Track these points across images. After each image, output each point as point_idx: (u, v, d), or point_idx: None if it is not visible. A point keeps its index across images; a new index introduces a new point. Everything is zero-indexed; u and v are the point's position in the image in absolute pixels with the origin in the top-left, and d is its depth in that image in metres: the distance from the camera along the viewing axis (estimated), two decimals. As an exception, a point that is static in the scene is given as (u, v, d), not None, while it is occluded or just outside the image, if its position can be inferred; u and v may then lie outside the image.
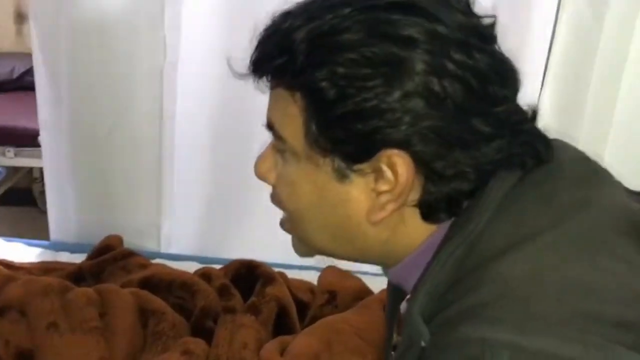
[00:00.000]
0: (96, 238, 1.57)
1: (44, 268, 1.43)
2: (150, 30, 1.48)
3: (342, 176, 0.53)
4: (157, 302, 1.20)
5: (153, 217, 1.73)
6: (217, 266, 1.46)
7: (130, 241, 1.69)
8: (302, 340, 1.08)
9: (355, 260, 0.62)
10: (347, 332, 1.09)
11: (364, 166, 0.52)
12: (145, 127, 1.60)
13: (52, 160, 1.68)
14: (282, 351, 1.07)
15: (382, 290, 1.22)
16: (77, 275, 1.38)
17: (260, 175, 0.60)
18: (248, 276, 1.33)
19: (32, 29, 1.55)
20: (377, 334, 1.06)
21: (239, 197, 1.74)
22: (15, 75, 2.60)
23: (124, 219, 1.72)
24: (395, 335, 0.66)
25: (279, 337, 1.14)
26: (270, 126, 0.57)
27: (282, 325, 1.20)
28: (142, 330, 1.14)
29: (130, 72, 1.54)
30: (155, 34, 1.48)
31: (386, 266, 0.60)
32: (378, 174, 0.52)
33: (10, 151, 2.50)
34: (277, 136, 0.57)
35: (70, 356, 1.01)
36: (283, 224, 0.62)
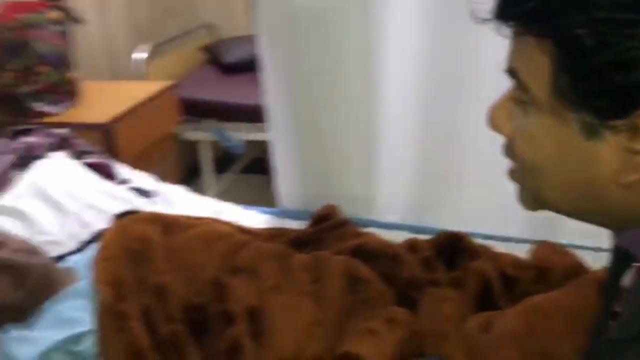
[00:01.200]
0: (318, 206, 1.71)
1: (272, 234, 1.60)
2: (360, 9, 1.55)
3: (591, 132, 0.50)
4: (365, 270, 1.28)
5: (366, 187, 1.82)
6: (426, 236, 1.50)
7: (348, 210, 1.81)
8: (507, 321, 1.06)
9: (585, 220, 0.58)
10: (556, 316, 1.04)
11: (618, 122, 0.49)
12: (356, 101, 1.68)
13: (278, 135, 1.87)
14: (486, 328, 1.07)
15: (599, 270, 1.13)
16: (298, 241, 1.53)
17: (495, 125, 0.58)
18: (453, 248, 1.34)
19: (257, 14, 1.72)
20: (589, 318, 1.00)
21: (452, 165, 1.74)
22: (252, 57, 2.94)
23: (342, 189, 1.84)
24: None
25: (483, 313, 1.14)
26: (512, 74, 0.55)
27: (485, 301, 1.19)
28: (352, 296, 1.23)
29: (341, 53, 1.63)
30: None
31: (620, 230, 0.56)
32: (634, 132, 0.48)
33: (249, 126, 2.84)
34: (520, 85, 0.54)
35: (288, 315, 1.13)
36: (513, 174, 0.60)
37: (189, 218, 1.49)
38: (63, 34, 2.21)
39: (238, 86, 2.89)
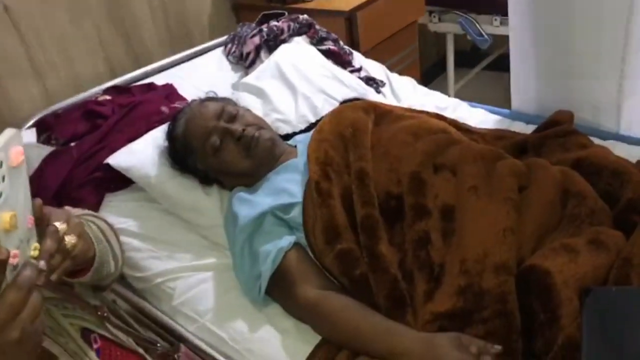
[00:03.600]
0: (554, 111, 1.59)
1: (496, 135, 1.55)
2: None
3: None
4: (582, 184, 1.17)
5: (614, 96, 1.61)
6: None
7: (586, 118, 1.65)
8: None
9: None
10: None
11: None
12: (611, 4, 1.46)
13: (518, 30, 1.73)
14: None
15: None
16: (521, 145, 1.45)
17: None
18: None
19: None
20: None
21: None
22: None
23: (583, 95, 1.66)
24: None
25: None
26: None
27: None
28: (560, 210, 1.15)
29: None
30: None
31: None
32: None
33: (497, 19, 2.67)
34: None
35: (482, 219, 1.10)
36: None
37: (404, 110, 1.52)
38: None
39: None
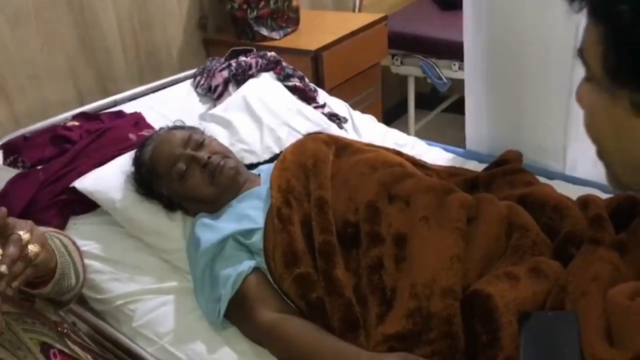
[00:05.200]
0: (503, 152, 1.68)
1: (450, 172, 1.63)
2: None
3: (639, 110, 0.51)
4: (525, 217, 1.25)
5: (560, 139, 1.72)
6: (608, 195, 1.40)
7: (534, 158, 1.75)
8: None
9: None
10: None
11: None
12: (556, 53, 1.58)
13: (472, 76, 1.84)
14: (634, 296, 1.00)
15: None
16: (472, 182, 1.54)
17: (578, 99, 0.61)
18: (629, 212, 1.23)
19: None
20: None
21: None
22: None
23: (532, 137, 1.77)
24: None
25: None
26: (580, 53, 0.58)
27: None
28: (505, 241, 1.22)
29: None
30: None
31: None
32: None
33: (455, 64, 2.81)
34: (583, 62, 0.57)
35: (432, 246, 1.17)
36: (597, 154, 0.62)
37: (364, 144, 1.59)
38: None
39: (453, 23, 2.84)
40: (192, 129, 1.55)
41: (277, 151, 1.68)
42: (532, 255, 1.17)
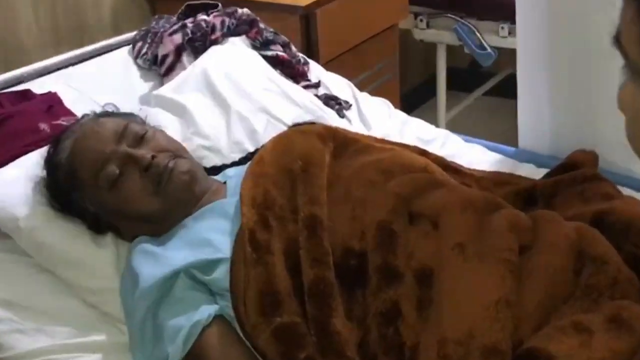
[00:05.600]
0: (568, 152, 1.68)
1: (495, 179, 1.63)
2: None
3: None
4: (602, 246, 1.25)
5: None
6: None
7: (614, 161, 1.74)
8: None
9: None
10: None
11: None
12: None
13: (528, 46, 1.84)
14: None
15: None
16: (528, 194, 1.54)
17: (619, 102, 0.68)
18: None
19: None
20: None
21: None
22: None
23: (612, 130, 1.76)
24: None
25: None
26: (616, 40, 0.64)
27: None
28: (573, 278, 1.22)
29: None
30: None
31: None
32: None
33: (505, 28, 2.82)
34: (621, 52, 0.64)
35: (469, 286, 1.16)
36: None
37: (375, 140, 1.59)
38: None
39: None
40: (130, 116, 1.55)
41: (252, 149, 1.68)
42: (611, 299, 1.17)
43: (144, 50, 2.01)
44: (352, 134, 1.59)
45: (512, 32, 2.74)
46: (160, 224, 1.42)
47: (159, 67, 1.97)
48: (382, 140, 1.63)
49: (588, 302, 1.17)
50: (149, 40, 2.03)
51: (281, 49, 2.03)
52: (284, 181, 1.38)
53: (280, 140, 1.49)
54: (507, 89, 2.88)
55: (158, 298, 1.28)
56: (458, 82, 3.29)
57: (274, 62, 1.99)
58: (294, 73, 2.00)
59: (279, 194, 1.35)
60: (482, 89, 3.34)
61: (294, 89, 1.92)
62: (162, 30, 2.03)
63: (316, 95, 1.96)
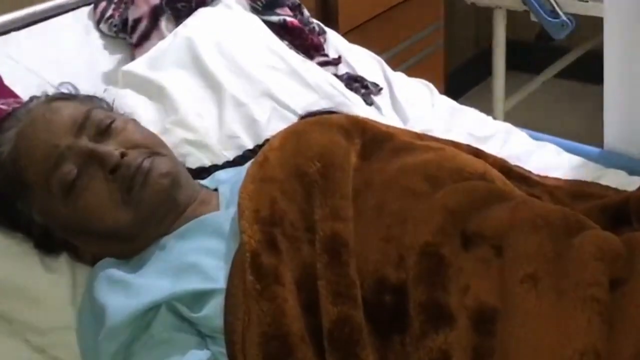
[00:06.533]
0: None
1: (575, 191, 1.63)
2: None
3: None
4: None
5: None
6: None
7: None
8: None
9: None
10: None
11: None
12: None
13: (618, 12, 1.84)
14: None
15: None
16: (618, 210, 1.53)
17: None
18: None
19: None
20: None
21: None
22: None
23: None
24: None
25: None
26: None
27: None
28: (680, 324, 1.22)
29: None
30: None
31: None
32: None
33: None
34: None
35: (542, 332, 1.15)
36: None
37: (414, 136, 1.59)
38: None
39: None
40: (92, 100, 1.55)
41: (251, 145, 1.69)
42: None
43: (110, 12, 2.01)
44: (386, 127, 1.59)
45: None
46: (130, 243, 1.42)
47: (130, 35, 1.97)
48: (425, 137, 1.63)
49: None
50: (115, 0, 2.03)
51: (290, 13, 2.03)
52: (296, 189, 1.38)
53: (291, 135, 1.49)
54: (588, 71, 2.88)
55: (130, 340, 1.28)
56: (521, 60, 3.28)
57: (281, 30, 1.99)
58: (307, 45, 2.00)
59: (289, 206, 1.35)
60: (554, 69, 3.33)
61: (307, 67, 1.92)
62: (133, -14, 2.03)
63: (336, 75, 1.96)
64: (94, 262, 1.44)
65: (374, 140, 1.50)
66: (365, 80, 1.99)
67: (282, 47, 1.94)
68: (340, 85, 1.91)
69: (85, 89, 1.64)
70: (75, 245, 1.47)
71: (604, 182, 1.74)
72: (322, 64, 1.98)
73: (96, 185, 1.39)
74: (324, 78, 1.91)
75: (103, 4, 2.04)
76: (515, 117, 2.38)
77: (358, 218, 1.34)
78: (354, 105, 1.84)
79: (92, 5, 2.08)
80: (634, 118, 1.90)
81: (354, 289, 1.25)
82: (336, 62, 2.02)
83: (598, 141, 1.98)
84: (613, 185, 1.70)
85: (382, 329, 1.24)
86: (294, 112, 1.74)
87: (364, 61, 2.07)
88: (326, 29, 2.09)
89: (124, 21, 1.99)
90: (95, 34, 2.02)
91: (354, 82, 1.97)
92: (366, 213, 1.35)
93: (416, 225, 1.31)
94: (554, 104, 3.30)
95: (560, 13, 2.82)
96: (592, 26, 2.58)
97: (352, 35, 2.19)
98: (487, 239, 1.30)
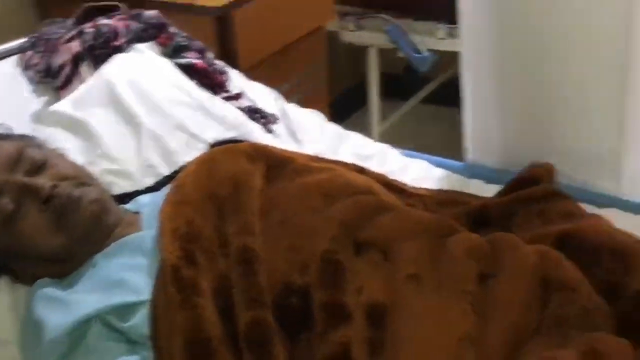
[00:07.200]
0: (523, 166, 1.68)
1: (442, 199, 1.63)
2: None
3: None
4: (569, 271, 1.26)
5: (613, 143, 1.76)
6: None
7: (574, 175, 1.77)
8: None
9: None
10: None
11: None
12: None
13: (474, 47, 1.86)
14: None
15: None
16: (481, 214, 1.55)
17: None
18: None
19: None
20: None
21: None
22: None
23: (569, 141, 1.80)
24: None
25: None
26: None
27: None
28: (539, 309, 1.22)
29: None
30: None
31: None
32: None
33: (441, 28, 2.85)
34: None
35: (427, 323, 1.15)
36: None
37: (310, 159, 1.58)
38: None
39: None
40: (25, 139, 1.51)
41: (168, 172, 1.66)
42: (582, 331, 1.18)
43: (35, 60, 1.96)
44: (285, 151, 1.58)
45: (452, 34, 2.78)
46: (65, 264, 1.38)
47: (54, 79, 1.92)
48: (318, 159, 1.62)
49: (558, 336, 1.18)
50: (41, 49, 1.98)
51: (196, 55, 2.01)
52: (210, 208, 1.36)
53: (203, 162, 1.47)
54: (447, 96, 2.93)
55: (67, 351, 1.25)
56: (392, 89, 3.31)
57: (189, 71, 1.97)
58: (213, 83, 1.99)
59: (205, 224, 1.33)
60: (418, 96, 3.38)
61: (213, 102, 1.91)
62: (55, 36, 1.98)
63: (239, 108, 1.94)
64: (32, 282, 1.40)
65: (276, 164, 1.49)
66: (264, 111, 1.99)
67: (191, 85, 1.93)
68: (243, 117, 1.90)
69: (17, 128, 1.59)
70: (13, 268, 1.43)
71: (466, 190, 1.75)
72: (226, 99, 1.97)
73: (32, 215, 1.36)
74: (230, 111, 1.90)
75: (29, 53, 1.99)
76: (388, 138, 2.39)
77: (266, 232, 1.32)
78: (256, 133, 1.83)
79: (19, 55, 2.03)
80: (489, 135, 1.92)
81: (264, 295, 1.24)
82: (238, 97, 2.00)
83: (457, 155, 1.99)
84: (474, 193, 1.71)
85: (291, 329, 1.23)
86: (204, 142, 1.72)
87: (262, 95, 2.07)
88: (227, 68, 2.06)
89: (48, 68, 1.94)
90: (22, 80, 1.97)
91: (255, 113, 1.96)
92: (273, 227, 1.34)
93: (316, 236, 1.30)
94: (420, 125, 3.34)
95: (423, 50, 2.85)
96: (449, 59, 2.61)
97: (251, 73, 2.18)
98: (375, 245, 1.31)
